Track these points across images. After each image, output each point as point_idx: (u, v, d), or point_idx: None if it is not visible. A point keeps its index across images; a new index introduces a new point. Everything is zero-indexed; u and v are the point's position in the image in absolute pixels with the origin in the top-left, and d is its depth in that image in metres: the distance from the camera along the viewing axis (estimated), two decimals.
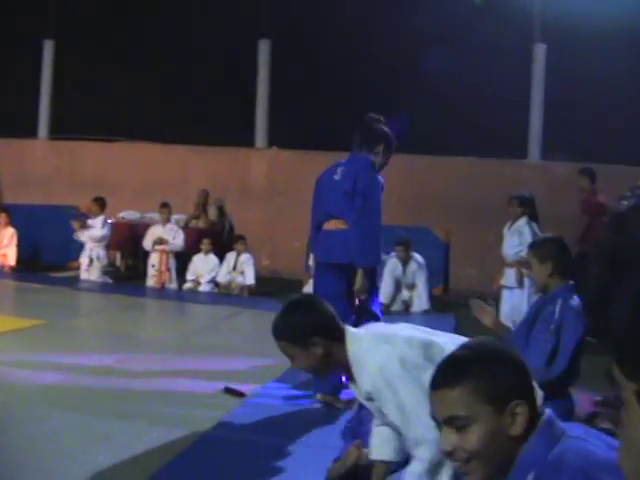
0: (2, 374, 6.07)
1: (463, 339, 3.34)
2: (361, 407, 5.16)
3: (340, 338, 3.58)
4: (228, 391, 5.82)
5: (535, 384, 2.18)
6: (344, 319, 3.87)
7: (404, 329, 3.71)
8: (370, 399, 3.52)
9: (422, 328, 3.82)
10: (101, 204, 13.11)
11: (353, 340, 3.55)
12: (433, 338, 3.61)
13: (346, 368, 3.61)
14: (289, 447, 4.74)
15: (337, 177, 6.11)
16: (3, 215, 14.10)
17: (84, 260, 13.07)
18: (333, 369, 3.77)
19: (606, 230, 4.38)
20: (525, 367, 2.16)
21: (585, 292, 4.70)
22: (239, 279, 12.45)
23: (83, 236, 12.96)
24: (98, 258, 13.01)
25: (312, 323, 3.58)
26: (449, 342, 3.47)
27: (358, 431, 4.73)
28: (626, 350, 0.78)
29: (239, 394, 5.77)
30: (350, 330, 3.63)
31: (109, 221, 13.35)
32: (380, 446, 3.88)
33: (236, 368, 6.86)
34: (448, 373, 2.14)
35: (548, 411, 2.11)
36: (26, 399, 5.41)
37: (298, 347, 3.58)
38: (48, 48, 18.15)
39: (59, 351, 7.21)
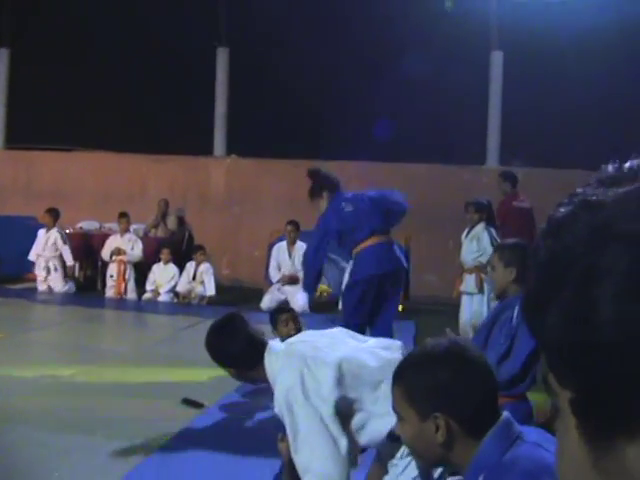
0: None
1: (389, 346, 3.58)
2: None
3: (257, 360, 3.55)
4: (187, 402, 5.78)
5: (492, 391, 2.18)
6: None
7: (329, 344, 3.62)
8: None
9: (354, 336, 3.80)
10: (55, 215, 13.07)
11: (270, 359, 3.52)
12: (357, 354, 3.57)
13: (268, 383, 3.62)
14: (247, 458, 4.72)
15: None
16: None
17: (41, 272, 12.97)
18: (257, 383, 3.87)
19: (543, 236, 4.40)
20: (473, 376, 2.15)
21: (522, 298, 4.71)
22: (199, 289, 12.40)
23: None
24: (56, 269, 12.93)
25: (226, 354, 3.62)
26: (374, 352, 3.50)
27: None
28: (559, 358, 0.78)
29: (198, 405, 5.74)
30: (269, 347, 3.57)
31: (66, 232, 13.29)
32: None
33: (195, 379, 6.83)
34: (395, 370, 2.24)
35: (505, 414, 2.12)
36: None
37: (220, 365, 3.71)
38: (3, 56, 17.96)
39: (17, 364, 7.13)
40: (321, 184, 7.21)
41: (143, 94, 16.20)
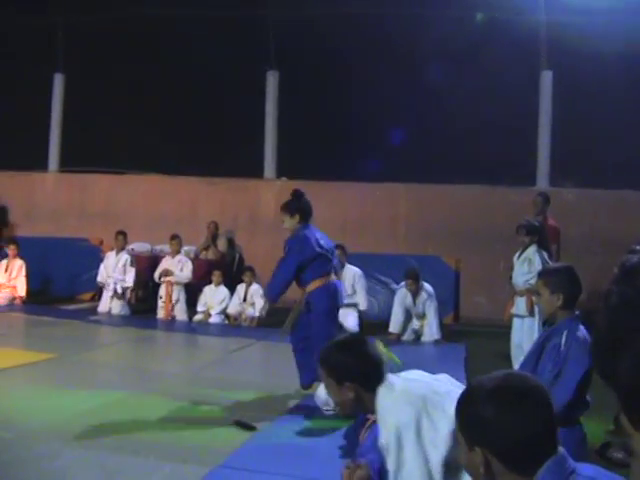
0: (13, 409, 6.08)
1: None
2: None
3: (375, 388, 3.52)
4: (238, 424, 5.81)
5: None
6: None
7: (445, 392, 3.51)
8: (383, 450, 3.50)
9: (457, 385, 3.75)
10: (125, 238, 13.31)
11: (384, 391, 3.50)
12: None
13: (372, 414, 3.60)
14: None
15: None
16: (12, 247, 14.18)
17: (108, 294, 13.15)
18: (359, 412, 3.79)
19: (616, 281, 4.32)
20: (524, 412, 2.12)
21: (594, 338, 4.63)
22: (249, 310, 12.45)
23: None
24: (121, 291, 13.13)
25: (353, 368, 3.53)
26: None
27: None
28: (633, 403, 0.78)
29: (249, 427, 5.76)
30: (387, 381, 3.55)
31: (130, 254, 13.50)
32: None
33: (247, 401, 6.85)
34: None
35: (560, 449, 2.11)
36: (38, 435, 5.40)
37: (333, 381, 3.56)
38: (58, 82, 18.28)
39: (70, 385, 7.22)
40: (300, 206, 7.62)
41: (193, 117, 16.35)
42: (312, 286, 7.32)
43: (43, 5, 17.85)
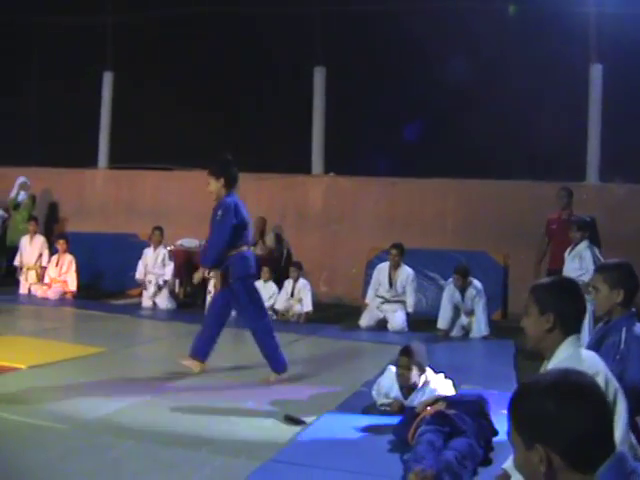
0: (66, 401, 6.15)
1: None
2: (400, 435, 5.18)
3: (568, 334, 3.60)
4: (288, 419, 5.82)
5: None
6: None
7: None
8: None
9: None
10: (162, 233, 13.40)
11: (569, 346, 3.57)
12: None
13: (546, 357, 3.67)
14: (350, 476, 4.73)
15: None
16: (61, 242, 14.38)
17: (149, 289, 13.28)
18: (541, 348, 3.73)
19: None
20: (583, 408, 2.09)
21: None
22: (297, 306, 12.48)
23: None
24: (163, 286, 13.24)
25: (559, 303, 3.63)
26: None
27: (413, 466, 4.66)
28: None
29: (299, 422, 5.77)
30: (577, 337, 3.63)
31: (168, 249, 13.59)
32: None
33: (296, 396, 6.86)
34: (509, 399, 2.27)
35: (619, 448, 2.09)
36: (89, 427, 5.47)
37: (536, 309, 3.64)
38: (107, 80, 18.45)
39: (120, 379, 7.30)
40: (226, 171, 7.75)
41: (241, 114, 16.41)
42: (230, 252, 7.53)
43: (92, 4, 18.04)
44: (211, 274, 12.72)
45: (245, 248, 7.66)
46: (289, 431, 5.60)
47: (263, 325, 7.73)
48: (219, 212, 7.56)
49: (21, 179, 16.74)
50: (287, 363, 7.66)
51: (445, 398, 5.60)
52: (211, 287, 12.95)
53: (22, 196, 16.70)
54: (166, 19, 17.17)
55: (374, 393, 6.31)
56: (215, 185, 7.70)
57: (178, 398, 6.53)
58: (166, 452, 4.96)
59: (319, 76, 16.48)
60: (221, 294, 7.81)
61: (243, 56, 16.41)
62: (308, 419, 5.86)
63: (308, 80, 16.45)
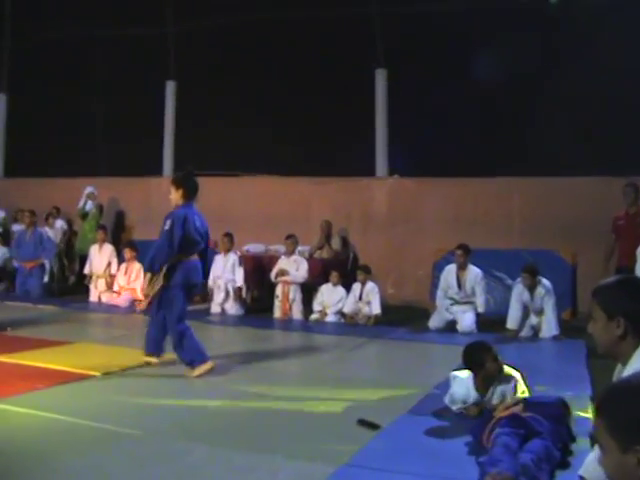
0: (140, 408, 6.23)
1: None
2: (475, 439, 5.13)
3: None
4: (362, 423, 5.80)
5: None
6: None
7: None
8: None
9: None
10: (232, 239, 13.49)
11: None
12: None
13: (621, 362, 3.42)
14: (428, 479, 4.70)
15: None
16: (129, 250, 14.56)
17: (219, 295, 13.38)
18: (613, 354, 3.46)
19: None
20: None
21: None
22: (366, 309, 12.46)
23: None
24: (232, 291, 13.34)
25: (629, 305, 3.31)
26: None
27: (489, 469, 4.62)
28: None
29: (374, 426, 5.75)
30: None
31: (238, 254, 13.68)
32: None
33: (369, 400, 6.85)
34: (598, 401, 2.21)
35: None
36: (164, 433, 5.51)
37: (604, 315, 3.39)
38: (170, 88, 18.66)
39: (192, 385, 7.38)
40: (186, 183, 8.18)
41: (305, 117, 16.44)
42: (174, 259, 7.84)
43: (155, 15, 18.27)
44: (278, 279, 12.94)
45: (192, 258, 8.02)
46: (363, 435, 5.58)
47: (180, 329, 8.04)
48: (168, 222, 7.93)
49: (88, 189, 17.01)
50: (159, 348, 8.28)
51: (524, 400, 5.55)
52: (279, 292, 13.05)
53: (90, 205, 16.97)
54: (227, 26, 17.29)
55: (447, 402, 6.26)
56: (175, 194, 8.09)
57: (251, 403, 6.55)
58: (242, 457, 4.98)
59: (381, 78, 16.45)
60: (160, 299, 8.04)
61: (305, 60, 16.46)
62: (382, 423, 5.83)
63: (370, 82, 16.43)
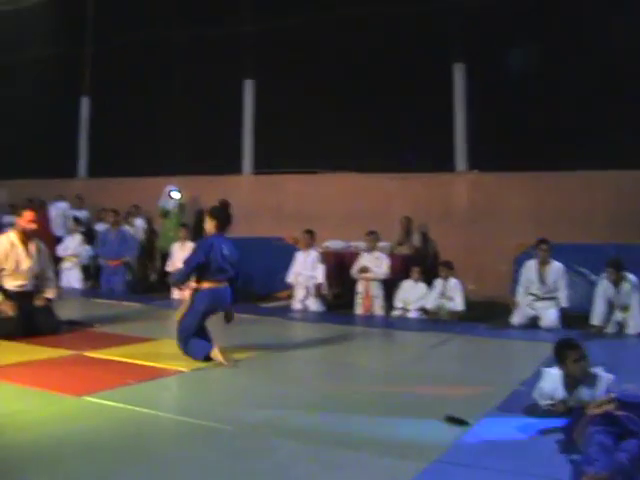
0: (228, 404, 6.29)
1: None
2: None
3: None
4: (450, 420, 5.78)
5: None
6: None
7: None
8: None
9: None
10: (312, 236, 13.56)
11: None
12: None
13: None
14: (517, 477, 4.67)
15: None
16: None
17: (299, 292, 13.46)
18: None
19: None
20: None
21: None
22: (449, 305, 12.41)
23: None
24: (313, 288, 13.39)
25: None
26: None
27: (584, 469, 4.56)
28: None
29: (462, 422, 5.72)
30: None
31: (319, 251, 13.73)
32: None
33: (455, 396, 6.82)
34: None
35: None
36: (254, 429, 5.56)
37: None
38: (248, 87, 18.81)
39: (278, 381, 7.43)
40: (219, 215, 8.76)
41: (384, 113, 16.42)
42: (202, 285, 8.35)
43: (233, 14, 18.43)
44: (360, 275, 12.94)
45: (221, 285, 8.47)
46: (451, 431, 5.56)
47: (183, 335, 8.50)
48: (195, 246, 8.72)
49: (170, 188, 17.23)
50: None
51: (617, 399, 5.46)
52: (360, 288, 13.07)
53: (171, 204, 17.19)
54: (305, 24, 17.36)
55: (536, 396, 6.20)
56: (209, 224, 8.61)
57: (338, 399, 6.58)
58: (331, 453, 5.00)
59: (459, 73, 16.34)
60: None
61: (383, 56, 16.46)
62: (470, 419, 5.81)
63: (448, 77, 16.34)
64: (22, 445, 5.01)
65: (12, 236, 9.73)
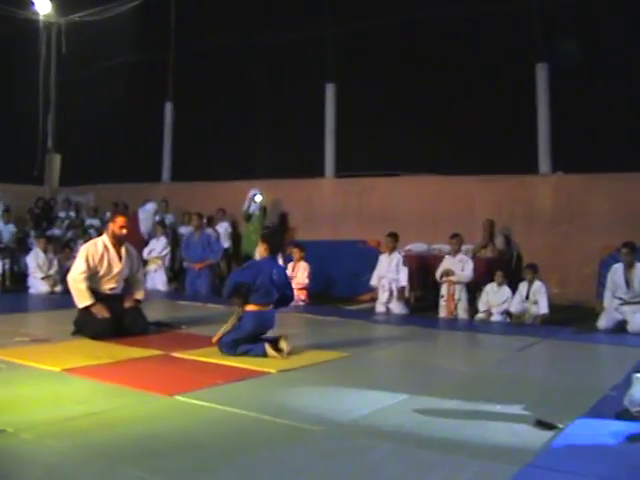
0: (318, 404, 6.36)
1: None
2: None
3: None
4: (540, 424, 5.76)
5: None
6: None
7: None
8: None
9: None
10: (396, 239, 13.58)
11: None
12: None
13: None
14: None
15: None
16: (296, 250, 14.83)
17: (383, 294, 13.51)
18: None
19: None
20: None
21: None
22: (533, 309, 12.33)
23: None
24: (396, 291, 13.43)
25: None
26: None
27: None
28: None
29: (552, 427, 5.69)
30: None
31: (402, 254, 13.75)
32: None
33: (542, 400, 6.79)
34: None
35: None
36: (345, 429, 5.62)
37: None
38: (330, 91, 18.91)
39: (370, 382, 7.47)
40: (270, 239, 9.05)
41: (466, 116, 16.35)
42: (248, 307, 8.65)
43: (313, 18, 18.55)
44: (443, 279, 12.95)
45: (267, 309, 8.78)
46: (542, 435, 5.53)
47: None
48: (245, 265, 9.23)
49: (253, 192, 17.43)
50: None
51: None
52: (444, 291, 13.06)
53: (254, 207, 17.38)
54: (385, 27, 17.40)
55: (626, 403, 6.14)
56: (261, 248, 9.05)
57: (426, 401, 6.60)
58: (424, 455, 5.02)
59: (541, 73, 16.19)
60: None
61: (465, 57, 16.40)
62: (559, 423, 5.78)
63: (531, 78, 16.21)
64: (119, 441, 5.15)
65: (105, 240, 9.99)
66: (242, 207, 17.58)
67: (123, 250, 10.17)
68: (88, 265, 9.76)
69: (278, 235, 10.21)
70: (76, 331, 9.72)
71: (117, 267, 10.04)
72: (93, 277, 9.86)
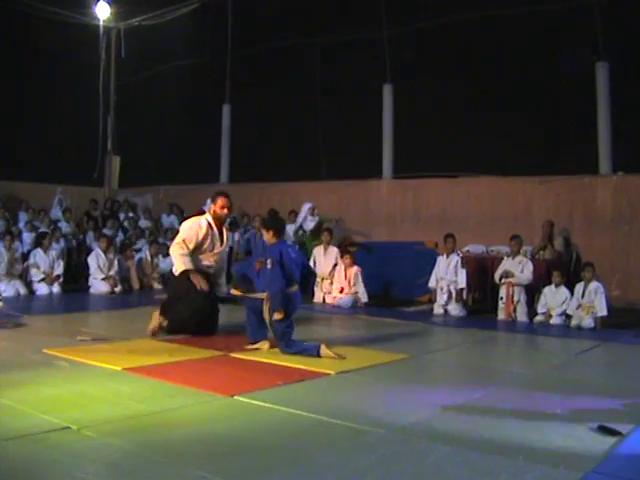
0: (378, 406, 6.36)
1: None
2: None
3: None
4: (603, 430, 5.70)
5: None
6: None
7: None
8: None
9: None
10: (454, 240, 13.54)
11: None
12: None
13: None
14: None
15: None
16: (346, 256, 14.78)
17: (442, 296, 13.46)
18: None
19: None
20: None
21: None
22: (586, 310, 12.18)
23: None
24: (454, 293, 13.39)
25: None
26: None
27: None
28: None
29: (616, 433, 5.63)
30: None
31: (460, 256, 13.69)
32: None
33: (602, 405, 6.70)
34: None
35: None
36: (405, 432, 5.60)
37: None
38: (387, 92, 18.91)
39: (429, 384, 7.50)
40: (273, 224, 9.22)
41: (525, 116, 16.24)
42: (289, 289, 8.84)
43: (371, 19, 18.56)
44: (502, 280, 12.87)
45: (293, 289, 8.93)
46: (604, 442, 5.47)
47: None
48: (268, 261, 8.85)
49: (308, 205, 17.49)
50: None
51: None
52: (503, 293, 12.97)
53: (310, 222, 17.41)
54: (443, 27, 17.35)
55: None
56: (267, 235, 9.09)
57: (486, 404, 6.57)
58: (483, 459, 4.99)
59: (601, 72, 16.02)
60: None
61: (524, 57, 16.28)
62: (623, 430, 5.71)
63: (591, 77, 16.04)
64: (179, 440, 5.22)
65: (209, 218, 10.30)
66: (293, 221, 17.52)
67: (225, 231, 10.55)
68: (196, 238, 10.06)
69: (277, 217, 10.72)
70: (166, 310, 9.96)
71: (219, 245, 10.36)
72: (195, 253, 10.11)
